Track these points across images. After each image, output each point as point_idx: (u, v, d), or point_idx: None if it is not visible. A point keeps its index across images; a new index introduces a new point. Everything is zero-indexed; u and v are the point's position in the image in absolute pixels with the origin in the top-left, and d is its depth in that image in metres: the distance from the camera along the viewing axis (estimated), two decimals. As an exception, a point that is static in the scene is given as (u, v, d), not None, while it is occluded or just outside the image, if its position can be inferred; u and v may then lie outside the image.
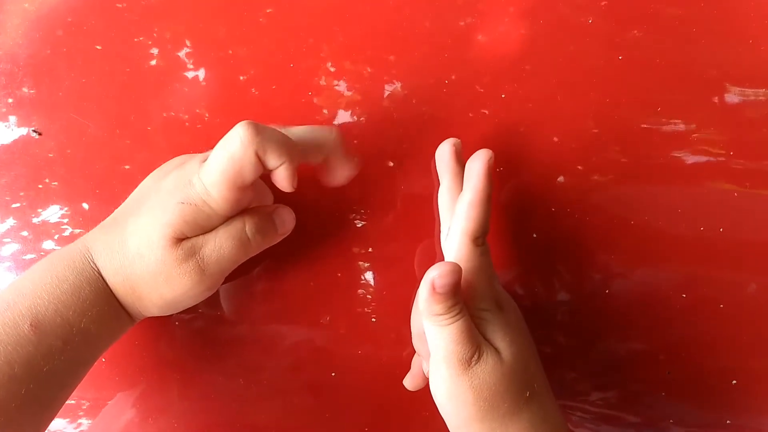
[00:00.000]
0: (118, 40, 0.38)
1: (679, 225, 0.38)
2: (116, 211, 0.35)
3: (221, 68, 0.38)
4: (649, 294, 0.38)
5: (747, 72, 0.37)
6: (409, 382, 0.38)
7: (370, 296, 0.39)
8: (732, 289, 0.38)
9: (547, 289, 0.38)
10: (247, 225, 0.33)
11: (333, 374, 0.39)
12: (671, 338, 0.38)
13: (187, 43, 0.38)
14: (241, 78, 0.38)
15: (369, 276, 0.39)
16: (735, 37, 0.37)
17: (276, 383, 0.40)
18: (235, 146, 0.30)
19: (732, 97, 0.37)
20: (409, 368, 0.38)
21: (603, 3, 0.37)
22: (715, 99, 0.37)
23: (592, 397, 0.39)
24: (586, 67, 0.37)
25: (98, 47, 0.38)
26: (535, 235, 0.38)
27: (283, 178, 0.32)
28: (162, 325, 0.39)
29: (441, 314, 0.31)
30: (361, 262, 0.39)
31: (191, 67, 0.38)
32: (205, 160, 0.32)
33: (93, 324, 0.32)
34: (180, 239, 0.32)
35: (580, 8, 0.37)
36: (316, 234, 0.39)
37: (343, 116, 0.38)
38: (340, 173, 0.35)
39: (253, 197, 0.34)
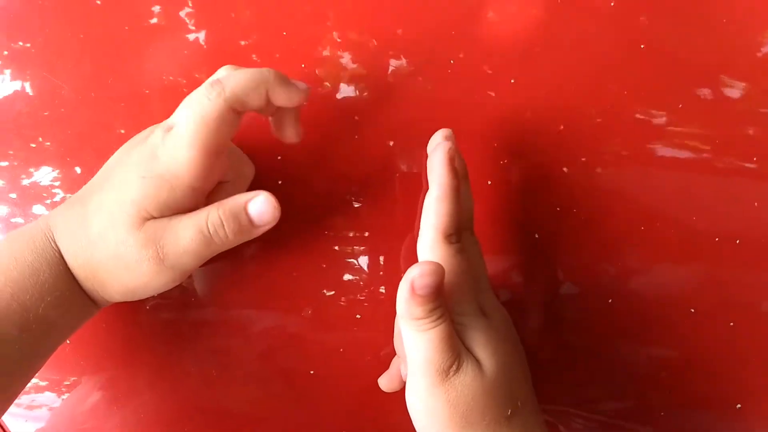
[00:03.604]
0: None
1: (709, 227, 0.35)
2: (83, 187, 0.32)
3: (223, 31, 0.36)
4: (661, 298, 0.36)
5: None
6: (385, 383, 0.35)
7: (362, 282, 0.37)
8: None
9: (552, 285, 0.36)
10: (210, 217, 0.29)
11: (311, 372, 0.37)
12: (677, 351, 0.36)
13: (189, 2, 0.36)
14: (243, 43, 0.36)
15: (363, 261, 0.37)
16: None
17: (252, 370, 0.37)
18: (202, 96, 0.28)
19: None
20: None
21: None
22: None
23: (601, 407, 0.37)
24: (601, 52, 0.35)
25: (98, 2, 0.37)
26: (536, 236, 0.36)
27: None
28: (130, 307, 0.37)
29: (420, 318, 0.27)
30: (355, 246, 0.37)
31: (192, 28, 0.36)
32: (170, 129, 0.29)
33: (52, 310, 0.29)
34: (145, 219, 0.29)
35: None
36: (308, 214, 0.37)
37: (346, 90, 0.36)
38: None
39: (228, 169, 0.31)
